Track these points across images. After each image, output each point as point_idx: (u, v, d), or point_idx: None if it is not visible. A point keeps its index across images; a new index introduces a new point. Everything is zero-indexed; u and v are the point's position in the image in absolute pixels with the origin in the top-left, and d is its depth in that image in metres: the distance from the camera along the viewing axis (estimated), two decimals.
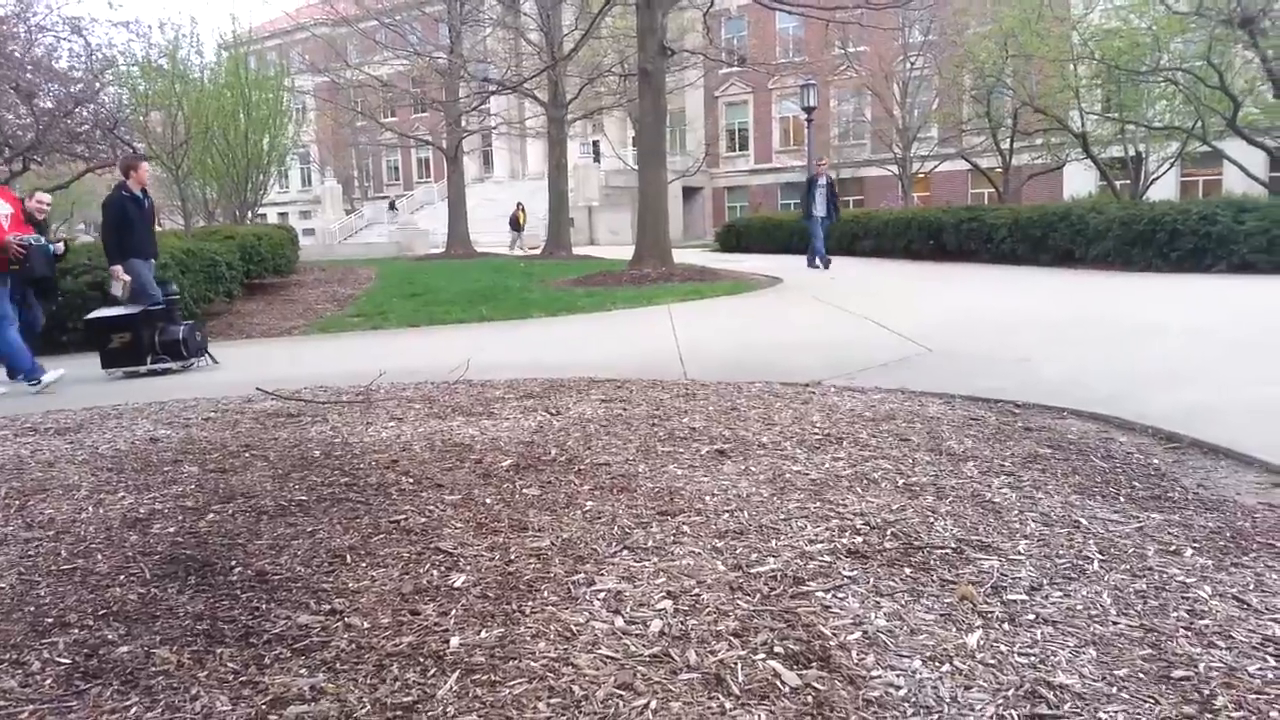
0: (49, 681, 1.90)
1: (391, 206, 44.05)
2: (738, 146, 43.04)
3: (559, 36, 21.74)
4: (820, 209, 15.00)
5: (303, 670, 1.89)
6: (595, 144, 40.47)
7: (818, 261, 14.87)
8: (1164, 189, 21.30)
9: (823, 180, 15.26)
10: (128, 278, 7.56)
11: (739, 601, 2.12)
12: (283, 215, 50.88)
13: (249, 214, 22.05)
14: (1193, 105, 14.93)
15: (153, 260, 7.93)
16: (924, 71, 29.10)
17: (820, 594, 2.15)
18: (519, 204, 33.16)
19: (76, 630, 2.14)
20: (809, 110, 24.31)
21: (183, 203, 18.86)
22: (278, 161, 24.49)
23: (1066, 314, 7.65)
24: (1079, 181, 26.04)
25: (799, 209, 19.39)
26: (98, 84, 16.26)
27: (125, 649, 2.03)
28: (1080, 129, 17.31)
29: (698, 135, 39.36)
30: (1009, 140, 22.42)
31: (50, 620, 2.20)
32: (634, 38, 16.22)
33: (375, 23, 25.07)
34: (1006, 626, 1.96)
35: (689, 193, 41.09)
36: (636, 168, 15.59)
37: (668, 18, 15.62)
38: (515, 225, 31.62)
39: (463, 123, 26.22)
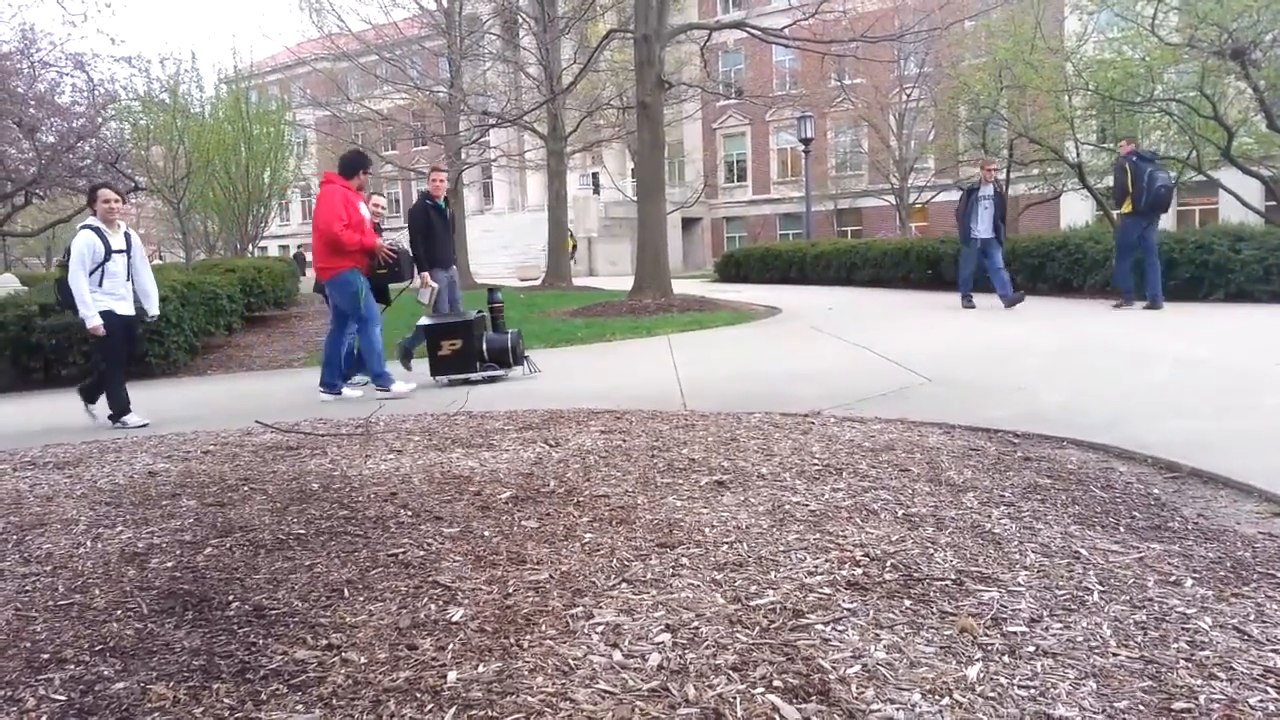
0: (44, 718, 1.89)
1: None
2: (736, 178, 43.32)
3: (558, 70, 21.95)
4: (983, 227, 11.41)
5: (299, 706, 1.88)
6: (594, 176, 40.73)
7: (973, 299, 11.56)
8: (1161, 218, 21.39)
9: (988, 189, 11.57)
10: (436, 285, 7.59)
11: (738, 634, 2.12)
12: (284, 248, 51.09)
13: (250, 247, 22.16)
14: (1187, 135, 15.04)
15: (453, 268, 8.00)
16: (920, 103, 29.39)
17: (820, 626, 2.14)
18: (570, 232, 31.76)
19: (72, 666, 2.13)
20: (806, 142, 24.55)
21: (184, 236, 18.96)
22: (279, 194, 24.67)
23: (1065, 343, 7.67)
24: (1076, 211, 26.20)
25: (953, 228, 13.70)
26: (100, 119, 16.40)
27: (121, 685, 2.02)
28: (1076, 159, 17.43)
29: (696, 166, 39.66)
30: (1005, 171, 22.56)
31: (46, 656, 2.19)
32: (632, 71, 16.39)
33: (376, 57, 25.31)
34: (1007, 659, 1.95)
35: (688, 223, 41.32)
36: (635, 199, 15.69)
37: (665, 51, 15.80)
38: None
39: (463, 155, 26.41)
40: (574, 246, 29.96)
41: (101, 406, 6.23)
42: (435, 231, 7.65)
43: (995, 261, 11.40)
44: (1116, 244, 10.83)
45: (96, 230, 6.07)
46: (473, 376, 7.18)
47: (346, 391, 6.88)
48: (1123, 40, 15.17)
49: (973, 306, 11.32)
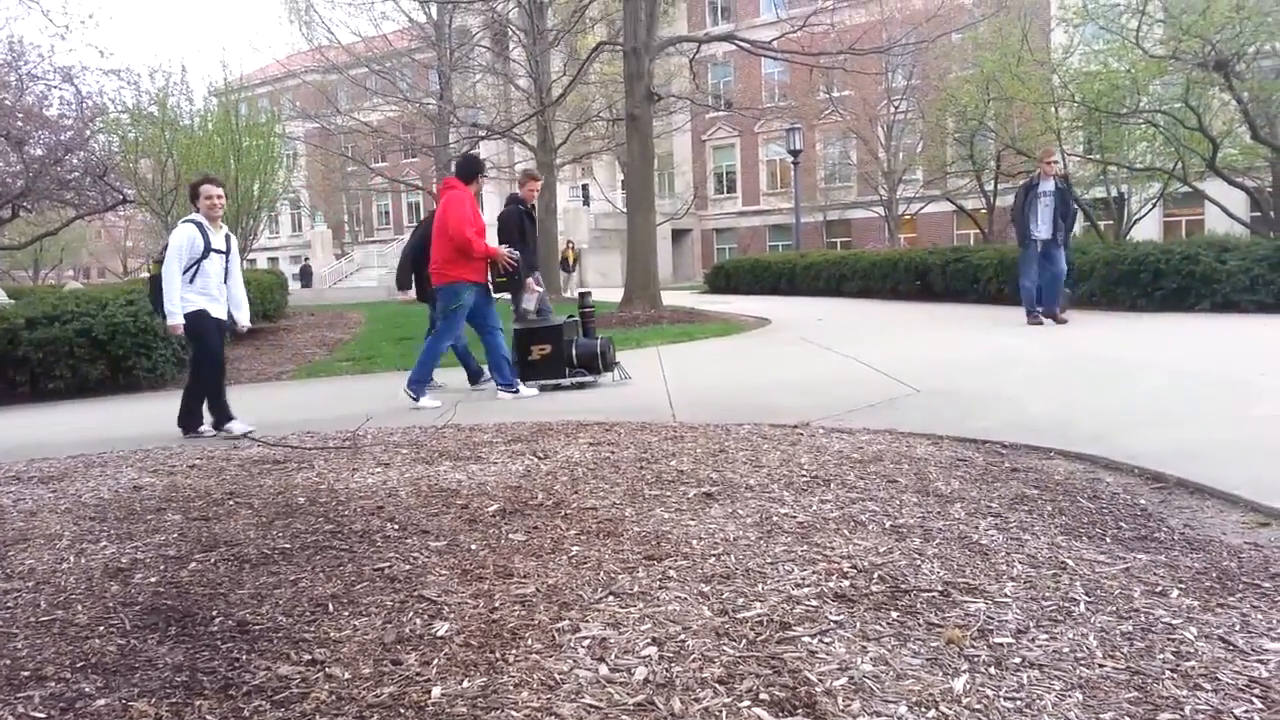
0: None
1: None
2: (725, 189, 43.44)
3: (548, 82, 22.00)
4: (1043, 227, 10.12)
5: None
6: (584, 187, 40.77)
7: (1040, 314, 10.13)
8: (1147, 229, 21.54)
9: (1048, 184, 10.20)
10: (541, 289, 7.46)
11: (725, 647, 2.11)
12: (273, 260, 51.01)
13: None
14: (1173, 147, 15.15)
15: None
16: (908, 115, 29.54)
17: (806, 639, 2.14)
18: (569, 241, 30.39)
19: (54, 683, 2.11)
20: (795, 153, 24.63)
21: None
22: (268, 207, 24.61)
23: (1052, 354, 7.70)
24: None
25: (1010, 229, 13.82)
26: (88, 131, 16.36)
27: (103, 702, 2.00)
28: (1063, 170, 17.54)
29: (686, 178, 39.75)
30: (993, 182, 22.72)
31: (27, 673, 2.17)
32: (622, 83, 16.46)
33: (365, 70, 25.33)
34: (993, 670, 1.95)
35: (678, 235, 41.39)
36: (625, 211, 15.72)
37: (655, 64, 15.87)
38: (566, 266, 28.25)
39: (452, 167, 26.42)
40: (576, 258, 29.43)
41: (239, 424, 5.99)
42: (528, 237, 7.55)
43: (1058, 267, 10.13)
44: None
45: (198, 225, 5.84)
46: (562, 382, 7.09)
47: (425, 401, 6.70)
48: (1108, 52, 15.28)
49: (1040, 322, 9.93)
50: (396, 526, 3.26)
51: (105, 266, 55.58)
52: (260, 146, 22.39)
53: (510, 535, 3.08)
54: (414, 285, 8.09)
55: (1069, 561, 2.61)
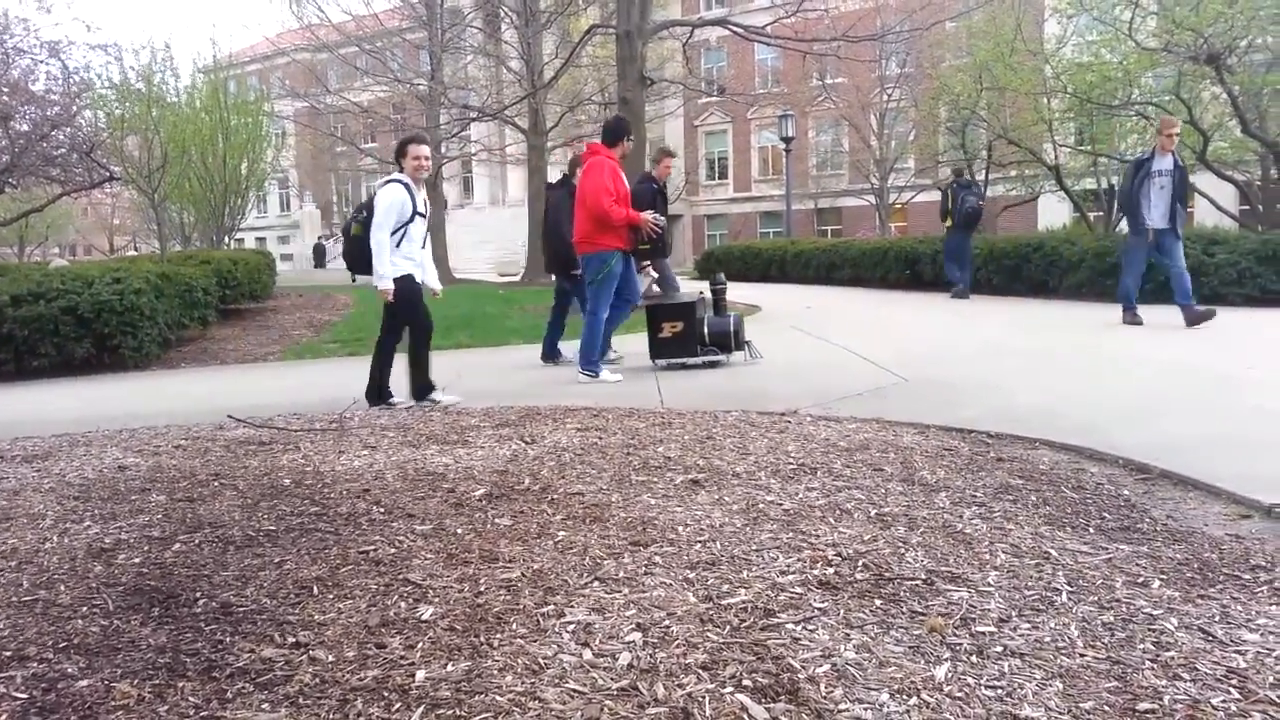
0: (3, 717, 1.86)
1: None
2: (717, 175, 43.34)
3: (540, 65, 21.89)
4: (1158, 214, 8.73)
5: (265, 705, 1.87)
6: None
7: (1137, 312, 8.89)
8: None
9: (1165, 160, 8.80)
10: (656, 274, 7.48)
11: (709, 634, 2.12)
12: (260, 240, 50.68)
13: (226, 238, 21.96)
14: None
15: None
16: (900, 103, 29.52)
17: (790, 626, 2.15)
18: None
19: (35, 664, 2.10)
20: (787, 140, 24.58)
21: (159, 227, 18.76)
22: (256, 186, 24.45)
23: (1041, 344, 7.73)
24: (1053, 213, 26.39)
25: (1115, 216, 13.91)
26: (75, 107, 16.19)
27: (85, 683, 1.99)
28: (1054, 161, 17.56)
29: (677, 164, 39.62)
30: (984, 172, 22.71)
31: (8, 654, 2.15)
32: (614, 67, 16.37)
33: (356, 49, 25.14)
34: (974, 659, 1.97)
35: (669, 220, 41.29)
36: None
37: (647, 48, 15.79)
38: None
39: (443, 149, 26.27)
40: None
41: (446, 395, 5.95)
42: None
43: (1176, 261, 8.67)
44: (945, 250, 13.55)
45: (406, 186, 5.68)
46: (691, 361, 6.98)
47: (605, 376, 6.65)
48: (1101, 44, 15.29)
49: (1139, 322, 8.73)
50: (382, 510, 3.25)
51: (92, 244, 55.14)
52: (249, 125, 22.24)
53: (496, 520, 3.08)
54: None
55: (1052, 551, 2.62)
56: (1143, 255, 9.01)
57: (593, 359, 6.64)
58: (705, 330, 7.08)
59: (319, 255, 40.13)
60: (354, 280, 7.97)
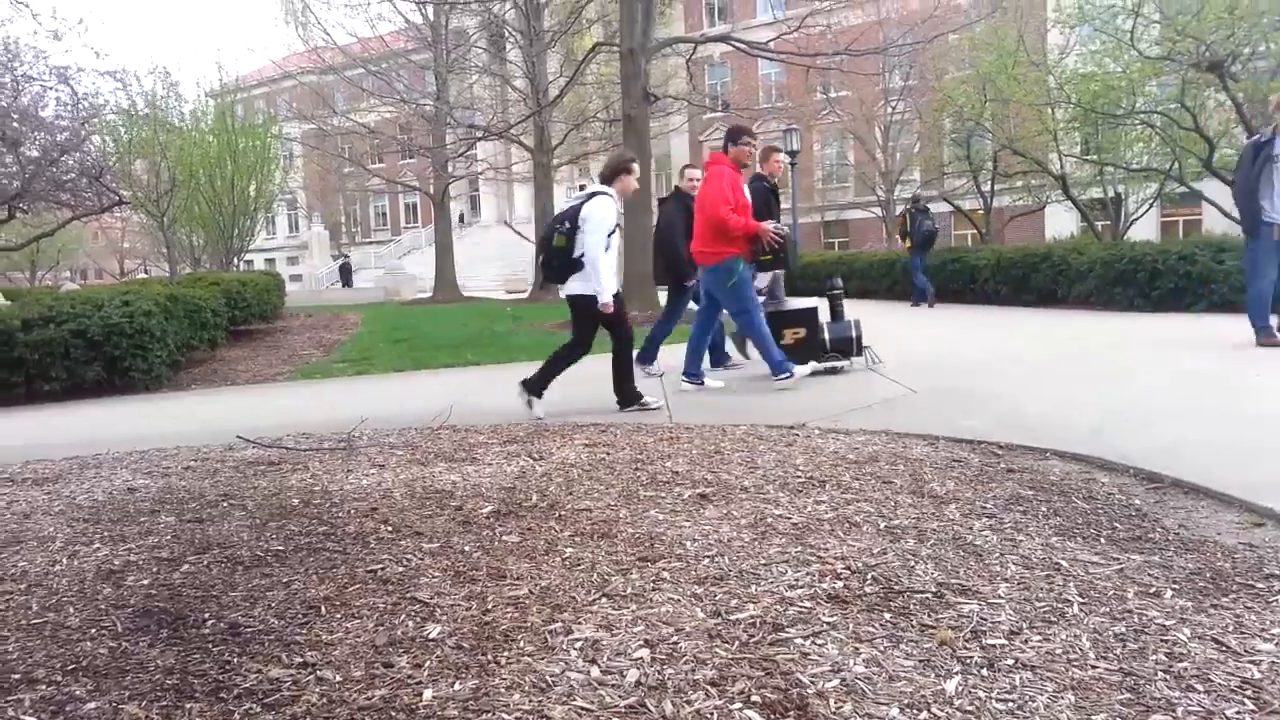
0: None
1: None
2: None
3: (544, 83, 22.01)
4: None
5: None
6: (581, 188, 40.72)
7: (1276, 330, 7.37)
8: (1144, 229, 21.58)
9: None
10: (773, 272, 7.38)
11: (717, 649, 2.10)
12: (270, 261, 51.01)
13: (235, 260, 22.08)
14: (1169, 147, 15.18)
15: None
16: (905, 116, 29.57)
17: (799, 641, 2.13)
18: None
19: (44, 686, 2.10)
20: (792, 154, 24.61)
21: (168, 249, 18.88)
22: (264, 207, 24.61)
23: (1049, 353, 7.70)
24: (1060, 222, 26.39)
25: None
26: (84, 132, 16.33)
27: (93, 705, 1.99)
28: (1060, 171, 17.57)
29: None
30: (990, 182, 22.73)
31: (17, 676, 2.16)
32: (618, 84, 16.44)
33: (362, 71, 25.33)
34: (985, 672, 1.95)
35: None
36: (622, 212, 15.70)
37: (651, 65, 15.86)
38: None
39: (449, 168, 26.42)
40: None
41: (651, 399, 5.98)
42: (774, 214, 7.37)
43: None
44: (912, 266, 14.94)
45: (612, 199, 5.73)
46: (816, 367, 6.85)
47: (709, 381, 6.63)
48: (1104, 53, 15.31)
49: (1277, 343, 7.26)
50: (390, 528, 3.25)
51: (102, 268, 55.52)
52: (256, 147, 22.39)
53: (504, 537, 3.08)
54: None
55: (1063, 562, 2.60)
56: (1273, 259, 7.44)
57: (779, 358, 6.48)
58: (826, 336, 7.02)
59: (345, 275, 40.00)
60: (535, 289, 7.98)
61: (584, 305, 5.79)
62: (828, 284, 7.50)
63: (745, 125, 6.96)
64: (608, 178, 5.99)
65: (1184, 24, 12.65)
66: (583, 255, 5.71)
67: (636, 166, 5.99)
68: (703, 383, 6.72)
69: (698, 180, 7.17)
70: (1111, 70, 14.98)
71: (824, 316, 7.28)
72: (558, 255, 5.80)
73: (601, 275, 5.66)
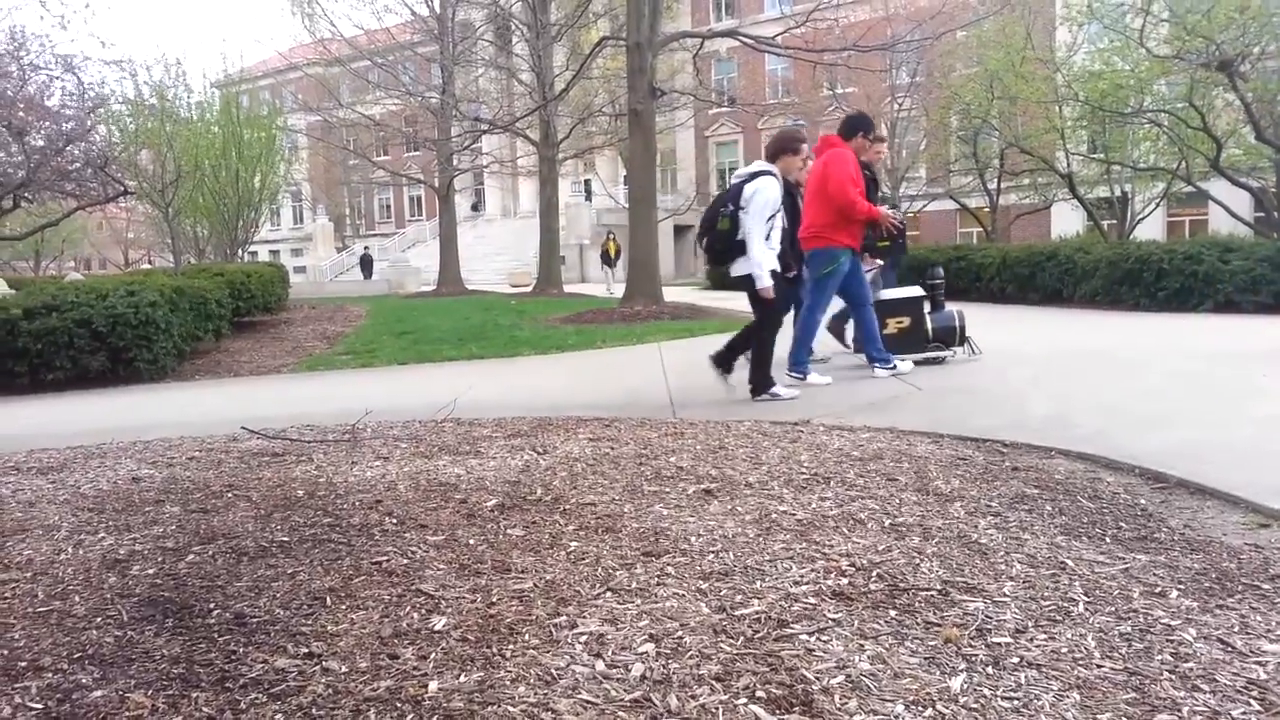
0: None
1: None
2: (728, 185, 43.35)
3: (550, 77, 21.99)
4: None
5: (278, 715, 1.86)
6: (586, 182, 40.76)
7: None
8: (1151, 229, 21.53)
9: None
10: (880, 261, 7.30)
11: (722, 644, 2.10)
12: (274, 253, 51.02)
13: (240, 251, 22.09)
14: (1176, 146, 15.14)
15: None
16: (911, 113, 29.48)
17: (804, 637, 2.13)
18: (610, 233, 27.52)
19: (50, 674, 2.10)
20: None
21: (173, 240, 18.90)
22: (269, 199, 24.60)
23: (1055, 352, 7.69)
24: (1066, 221, 26.32)
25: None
26: (89, 122, 16.33)
27: (99, 693, 1.99)
28: (1066, 169, 17.53)
29: (688, 174, 39.76)
30: (996, 180, 22.68)
31: (24, 664, 2.16)
32: (624, 79, 16.42)
33: (368, 63, 25.32)
34: (990, 670, 1.95)
35: (680, 231, 41.32)
36: (627, 206, 15.70)
37: (658, 59, 15.84)
38: (608, 259, 26.42)
39: (454, 161, 26.40)
40: (617, 251, 26.10)
41: (738, 376, 5.90)
42: (874, 203, 7.26)
43: None
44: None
45: (777, 179, 5.58)
46: (918, 357, 6.80)
47: (813, 378, 6.42)
48: (1112, 51, 15.26)
49: None
50: (395, 520, 3.26)
51: (107, 258, 55.60)
52: (261, 139, 22.38)
53: (508, 530, 3.08)
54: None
55: (1068, 561, 2.60)
56: None
57: (802, 359, 6.43)
58: (929, 325, 6.96)
59: (366, 267, 39.92)
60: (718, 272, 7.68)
61: (748, 286, 5.64)
62: (928, 273, 7.41)
63: (863, 113, 6.64)
64: (772, 155, 5.82)
65: (1193, 23, 12.60)
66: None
67: (805, 146, 5.74)
68: (895, 366, 6.57)
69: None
70: (1120, 69, 14.94)
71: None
72: (721, 238, 5.67)
73: (759, 257, 5.51)
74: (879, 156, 7.63)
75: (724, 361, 5.96)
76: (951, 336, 6.97)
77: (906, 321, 6.86)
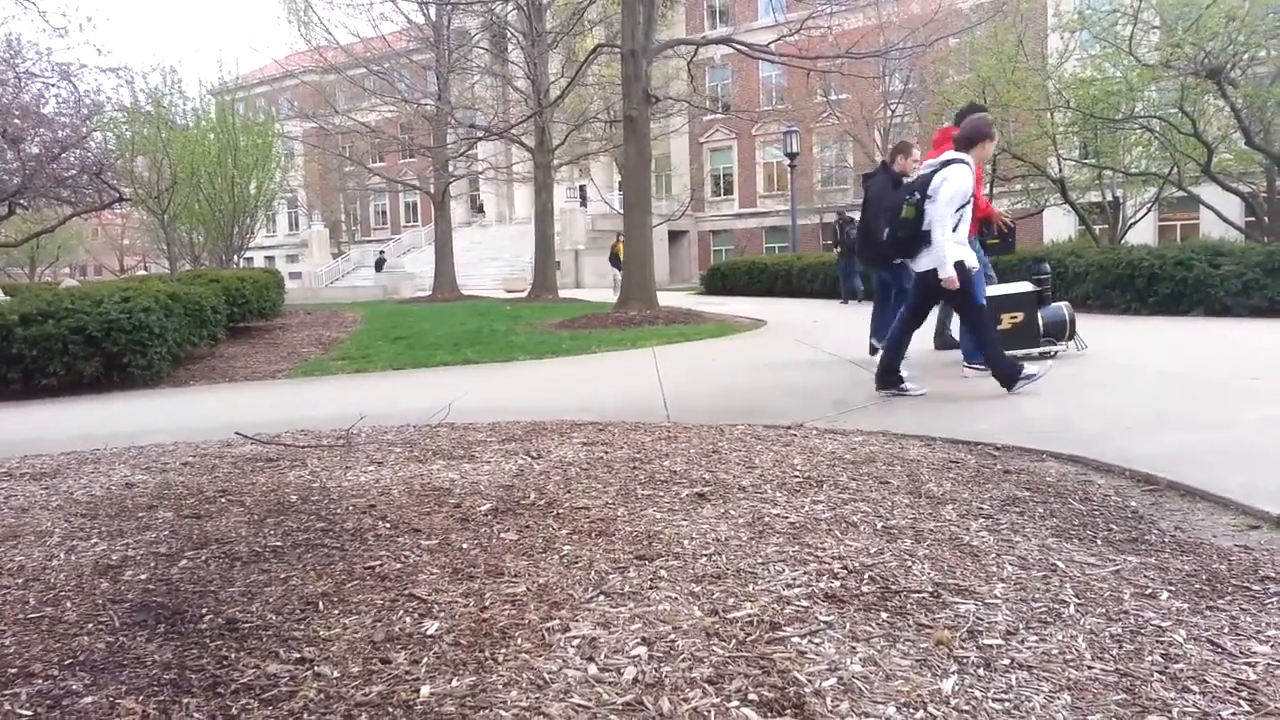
0: None
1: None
2: (722, 191, 43.50)
3: (546, 84, 22.01)
4: None
5: None
6: (581, 188, 40.81)
7: None
8: (1142, 233, 21.59)
9: None
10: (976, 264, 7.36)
11: (714, 647, 2.11)
12: (269, 259, 50.96)
13: (235, 257, 22.07)
14: (1168, 152, 15.19)
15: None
16: (904, 119, 29.60)
17: (796, 639, 2.14)
18: (619, 235, 26.68)
19: (41, 680, 2.10)
20: (792, 156, 24.67)
21: (168, 246, 18.87)
22: (265, 205, 24.59)
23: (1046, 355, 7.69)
24: (1058, 226, 26.37)
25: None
26: (85, 129, 16.32)
27: (90, 699, 1.99)
28: (1058, 175, 17.56)
29: (683, 180, 39.79)
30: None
31: (14, 670, 2.16)
32: (619, 85, 16.45)
33: (364, 70, 25.33)
34: (982, 672, 1.95)
35: (674, 236, 41.41)
36: (622, 212, 15.72)
37: (652, 66, 15.87)
38: (616, 262, 24.67)
39: (450, 168, 26.41)
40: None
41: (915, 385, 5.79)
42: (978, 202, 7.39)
43: None
44: (842, 271, 17.00)
45: (970, 169, 5.42)
46: (1033, 352, 6.70)
47: (970, 372, 6.41)
48: (1103, 58, 15.32)
49: None
50: (388, 525, 3.26)
51: (102, 264, 55.53)
52: (257, 146, 22.39)
53: (502, 534, 3.08)
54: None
55: (1059, 563, 2.61)
56: None
57: (1006, 356, 6.28)
58: (1040, 320, 6.92)
59: (379, 266, 39.62)
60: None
61: (933, 281, 5.50)
62: (1035, 269, 7.37)
63: (986, 116, 6.52)
64: (964, 144, 5.66)
65: (1183, 31, 12.66)
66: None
67: (996, 133, 5.54)
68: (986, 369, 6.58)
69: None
70: (1111, 75, 14.99)
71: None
72: (905, 226, 5.54)
73: (944, 248, 5.36)
74: (909, 168, 7.71)
75: (887, 380, 5.80)
76: (1062, 331, 6.96)
77: (1020, 317, 6.82)
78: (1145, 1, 13.56)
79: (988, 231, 6.43)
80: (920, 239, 5.51)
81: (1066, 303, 7.13)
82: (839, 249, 17.53)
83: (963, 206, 5.43)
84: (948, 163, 5.53)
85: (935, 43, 18.73)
